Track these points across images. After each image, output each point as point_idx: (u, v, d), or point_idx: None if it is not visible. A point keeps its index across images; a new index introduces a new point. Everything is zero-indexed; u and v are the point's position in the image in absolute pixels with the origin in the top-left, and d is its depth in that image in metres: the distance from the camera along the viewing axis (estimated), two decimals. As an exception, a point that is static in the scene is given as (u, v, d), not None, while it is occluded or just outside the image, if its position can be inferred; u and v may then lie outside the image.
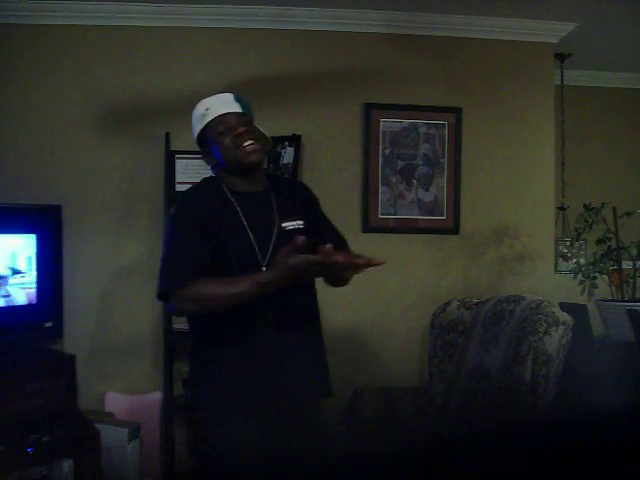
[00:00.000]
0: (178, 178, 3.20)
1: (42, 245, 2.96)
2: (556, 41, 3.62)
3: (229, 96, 2.02)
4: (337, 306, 3.14)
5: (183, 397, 3.17)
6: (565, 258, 3.87)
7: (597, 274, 3.19)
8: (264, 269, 1.88)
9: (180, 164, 3.21)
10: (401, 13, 3.41)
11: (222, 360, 1.92)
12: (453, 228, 3.52)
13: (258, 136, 1.99)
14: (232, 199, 1.96)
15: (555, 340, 2.56)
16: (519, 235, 3.55)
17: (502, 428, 0.81)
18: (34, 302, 2.93)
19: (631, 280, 3.19)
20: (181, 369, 3.16)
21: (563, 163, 3.93)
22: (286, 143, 3.25)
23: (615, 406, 0.86)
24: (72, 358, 2.94)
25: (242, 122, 1.96)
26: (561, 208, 3.93)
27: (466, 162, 3.53)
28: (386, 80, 3.48)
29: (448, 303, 3.22)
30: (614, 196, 3.34)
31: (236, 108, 1.98)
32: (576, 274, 3.24)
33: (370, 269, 1.82)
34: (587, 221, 3.24)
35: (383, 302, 3.44)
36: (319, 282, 2.05)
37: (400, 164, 3.50)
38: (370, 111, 3.46)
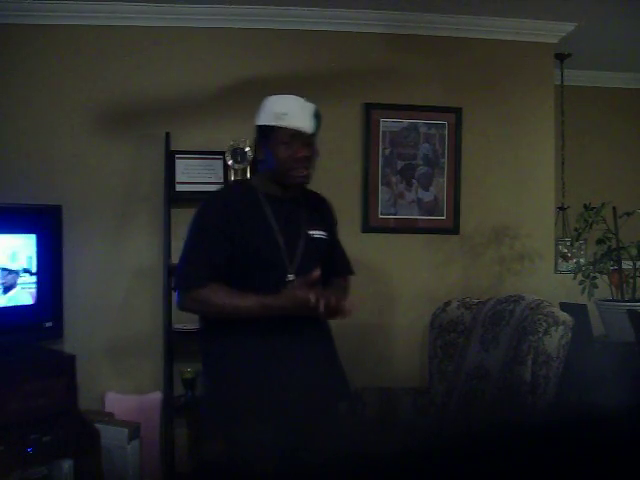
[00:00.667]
0: (178, 178, 3.21)
1: (42, 245, 2.96)
2: (556, 41, 3.62)
3: (310, 108, 2.01)
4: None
5: (183, 397, 3.17)
6: (565, 258, 3.86)
7: (597, 274, 3.19)
8: (289, 273, 1.95)
9: (180, 164, 3.21)
10: (401, 13, 3.41)
11: (241, 361, 1.95)
12: (453, 228, 3.52)
13: (314, 156, 2.03)
14: (264, 202, 2.00)
15: (555, 340, 2.56)
16: (519, 235, 3.55)
17: (502, 428, 0.81)
18: (34, 302, 2.94)
19: (631, 280, 3.19)
20: (181, 369, 3.17)
21: (563, 163, 3.93)
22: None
23: (615, 406, 0.86)
24: (72, 358, 2.94)
25: (308, 143, 1.99)
26: (561, 208, 3.93)
27: (466, 162, 3.53)
28: (386, 80, 3.48)
29: (448, 303, 3.22)
30: (614, 196, 3.34)
31: (311, 128, 1.99)
32: (576, 274, 3.24)
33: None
34: (587, 221, 3.23)
35: (383, 302, 3.44)
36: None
37: (400, 164, 3.50)
38: (370, 111, 3.46)
